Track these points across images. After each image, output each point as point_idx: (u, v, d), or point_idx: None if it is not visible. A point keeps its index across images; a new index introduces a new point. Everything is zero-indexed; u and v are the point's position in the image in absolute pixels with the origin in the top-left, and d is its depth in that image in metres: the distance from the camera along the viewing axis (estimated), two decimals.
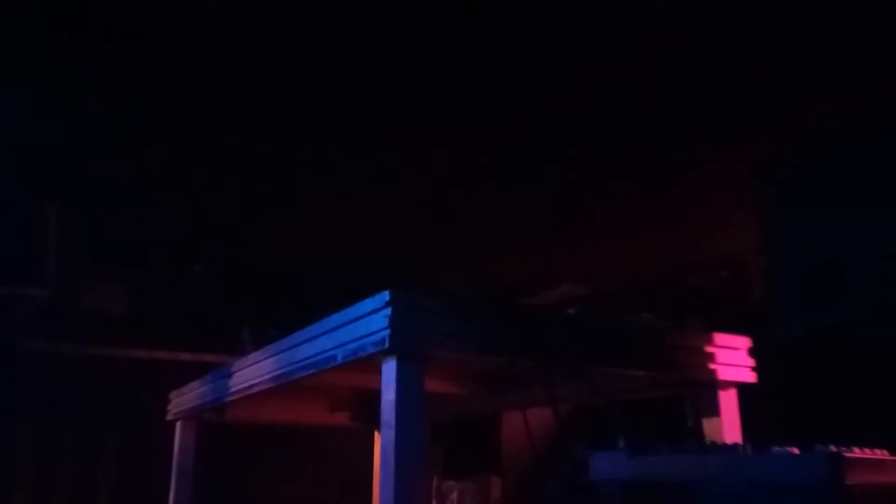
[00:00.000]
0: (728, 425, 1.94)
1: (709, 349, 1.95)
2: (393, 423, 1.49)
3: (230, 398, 2.54)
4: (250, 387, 2.30)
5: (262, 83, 2.53)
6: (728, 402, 1.96)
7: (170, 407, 3.29)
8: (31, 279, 3.74)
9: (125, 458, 4.15)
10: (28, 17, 2.17)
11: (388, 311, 1.53)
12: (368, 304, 1.60)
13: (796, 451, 1.19)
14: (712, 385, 1.96)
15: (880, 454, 1.19)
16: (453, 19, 2.18)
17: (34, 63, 2.39)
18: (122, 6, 2.13)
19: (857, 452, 1.16)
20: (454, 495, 3.48)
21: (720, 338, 1.97)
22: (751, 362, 1.99)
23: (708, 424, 1.95)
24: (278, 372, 2.08)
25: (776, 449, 1.22)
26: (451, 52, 2.34)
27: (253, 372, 2.29)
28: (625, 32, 2.24)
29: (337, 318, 1.75)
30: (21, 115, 2.72)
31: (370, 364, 1.59)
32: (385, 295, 1.55)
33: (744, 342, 2.00)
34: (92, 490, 4.06)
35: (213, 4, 2.13)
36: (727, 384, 1.97)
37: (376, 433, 2.94)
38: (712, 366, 1.93)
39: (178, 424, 3.15)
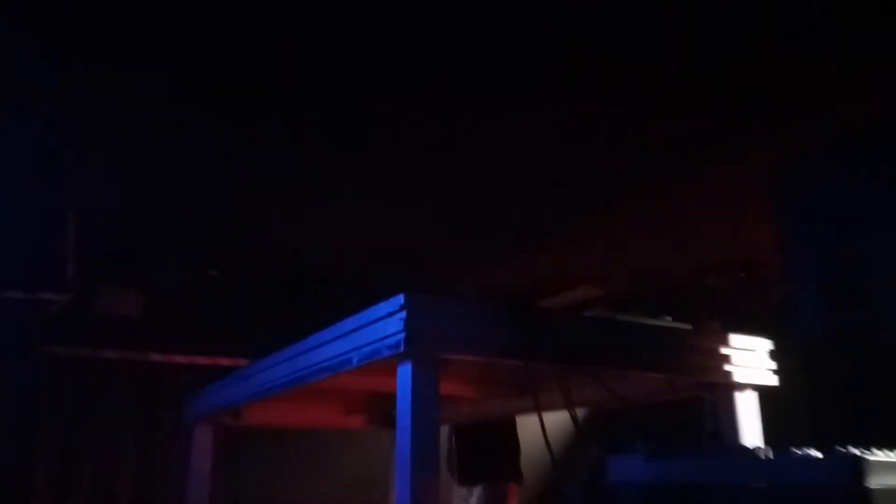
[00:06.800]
0: (747, 428, 1.92)
1: (727, 351, 1.93)
2: (408, 425, 1.49)
3: (246, 401, 2.55)
4: (266, 390, 2.31)
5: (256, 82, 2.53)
6: (747, 404, 1.94)
7: (187, 410, 3.31)
8: (51, 284, 3.77)
9: (143, 461, 4.17)
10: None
11: (403, 314, 1.52)
12: (383, 307, 1.60)
13: (817, 453, 1.18)
14: (730, 387, 1.94)
15: None
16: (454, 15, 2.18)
17: (62, 69, 2.41)
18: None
19: (878, 455, 1.14)
20: (471, 501, 3.46)
21: (738, 340, 1.95)
22: (770, 364, 1.97)
23: (727, 427, 1.93)
24: (294, 375, 2.08)
25: (796, 452, 1.20)
26: (452, 53, 2.34)
27: (269, 375, 2.29)
28: (639, 36, 2.23)
29: (352, 321, 1.75)
30: (40, 120, 2.74)
31: (385, 367, 1.59)
32: (400, 298, 1.55)
33: (763, 344, 1.98)
34: (110, 492, 4.08)
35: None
36: (745, 386, 1.95)
37: (391, 435, 2.94)
38: (730, 368, 1.92)
39: (195, 427, 3.17)
